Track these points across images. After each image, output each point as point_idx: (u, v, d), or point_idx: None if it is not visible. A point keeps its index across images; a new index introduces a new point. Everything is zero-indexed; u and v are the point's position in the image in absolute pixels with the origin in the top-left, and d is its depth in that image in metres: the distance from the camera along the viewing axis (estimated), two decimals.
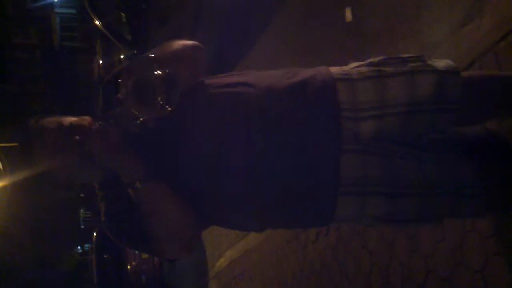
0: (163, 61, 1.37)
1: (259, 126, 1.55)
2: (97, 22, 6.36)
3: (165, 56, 1.47)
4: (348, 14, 3.68)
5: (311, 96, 1.57)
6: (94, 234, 10.01)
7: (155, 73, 1.32)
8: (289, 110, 1.56)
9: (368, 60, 1.66)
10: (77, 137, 1.49)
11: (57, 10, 20.10)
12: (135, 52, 6.04)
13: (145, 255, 9.15)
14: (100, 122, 1.47)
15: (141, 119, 1.39)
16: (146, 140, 1.54)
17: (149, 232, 1.54)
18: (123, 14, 6.12)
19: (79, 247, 20.36)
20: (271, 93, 1.58)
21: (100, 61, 10.69)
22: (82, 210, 21.15)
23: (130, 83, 1.33)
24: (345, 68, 1.65)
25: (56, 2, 19.76)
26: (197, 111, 1.58)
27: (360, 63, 1.67)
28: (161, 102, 1.32)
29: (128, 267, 9.29)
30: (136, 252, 9.16)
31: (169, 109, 1.34)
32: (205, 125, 1.57)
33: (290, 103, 1.56)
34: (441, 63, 1.62)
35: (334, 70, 1.64)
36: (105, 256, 9.57)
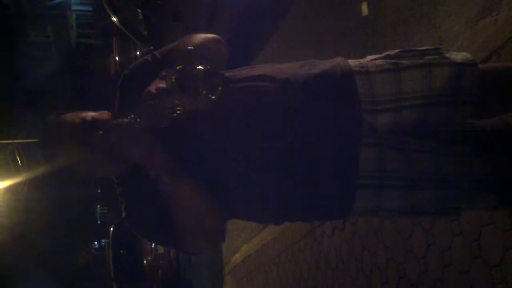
0: (201, 54, 1.42)
1: (278, 119, 1.56)
2: (113, 19, 6.40)
3: (201, 49, 1.51)
4: (365, 8, 3.67)
5: (330, 88, 1.58)
6: (111, 229, 10.08)
7: (198, 67, 1.41)
8: (308, 103, 1.56)
9: (385, 53, 1.66)
10: (101, 132, 1.51)
11: (73, 7, 20.24)
12: (151, 48, 6.07)
13: (161, 250, 9.20)
14: (129, 117, 1.47)
15: (179, 111, 1.42)
16: (170, 134, 1.55)
17: (176, 225, 1.54)
18: (139, 10, 6.14)
19: (96, 242, 20.56)
20: (290, 86, 1.58)
21: (117, 58, 10.75)
22: (99, 206, 21.34)
23: (175, 75, 1.39)
24: (362, 60, 1.65)
25: None
26: (218, 105, 1.59)
27: (377, 56, 1.67)
28: (204, 93, 1.40)
29: (145, 262, 9.35)
30: (153, 247, 9.22)
31: (214, 98, 1.41)
32: (226, 119, 1.58)
33: (309, 95, 1.57)
34: (458, 56, 1.61)
35: (352, 62, 1.64)
36: (121, 251, 9.64)
